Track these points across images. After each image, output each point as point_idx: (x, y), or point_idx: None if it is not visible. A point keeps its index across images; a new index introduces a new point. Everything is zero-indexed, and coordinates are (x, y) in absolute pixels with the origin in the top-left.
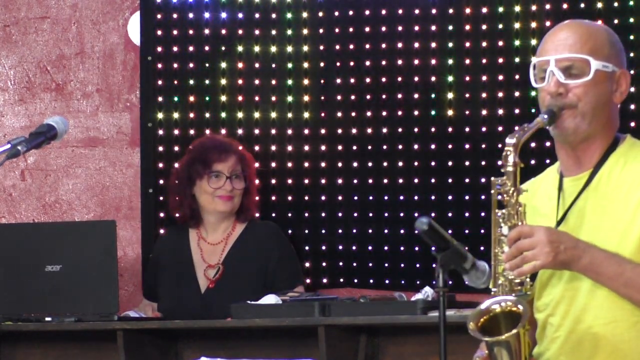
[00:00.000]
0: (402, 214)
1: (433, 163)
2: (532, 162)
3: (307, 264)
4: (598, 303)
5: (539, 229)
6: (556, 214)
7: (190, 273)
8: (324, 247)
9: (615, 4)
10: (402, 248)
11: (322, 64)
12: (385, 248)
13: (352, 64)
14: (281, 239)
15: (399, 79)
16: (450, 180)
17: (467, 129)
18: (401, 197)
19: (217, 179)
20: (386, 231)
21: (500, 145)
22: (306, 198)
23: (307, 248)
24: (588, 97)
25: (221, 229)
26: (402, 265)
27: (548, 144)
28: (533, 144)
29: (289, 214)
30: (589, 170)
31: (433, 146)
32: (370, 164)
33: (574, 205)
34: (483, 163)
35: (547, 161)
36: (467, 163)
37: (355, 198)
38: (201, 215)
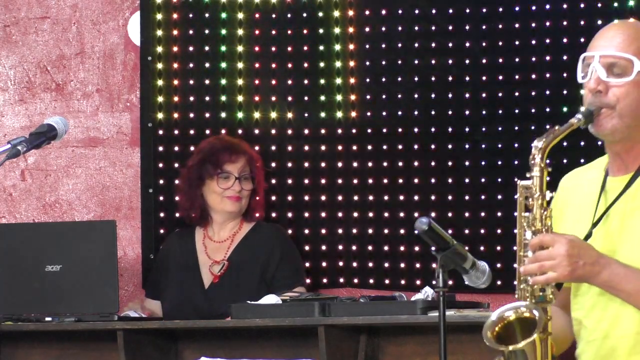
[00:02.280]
0: (402, 214)
1: (433, 163)
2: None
3: (307, 264)
4: (631, 310)
5: (561, 240)
6: (594, 214)
7: (194, 270)
8: (324, 247)
9: (615, 4)
10: (402, 248)
11: (322, 64)
12: (385, 248)
13: (352, 64)
14: (284, 239)
15: (399, 78)
16: (450, 180)
17: (467, 129)
18: (401, 197)
19: (227, 179)
20: (386, 231)
21: (500, 145)
22: (306, 198)
23: (307, 248)
24: (628, 98)
25: (228, 228)
26: (402, 265)
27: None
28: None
29: (289, 214)
30: (632, 172)
31: (433, 146)
32: (370, 164)
33: (612, 207)
34: (483, 163)
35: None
36: (467, 163)
37: (355, 198)
38: (210, 214)
